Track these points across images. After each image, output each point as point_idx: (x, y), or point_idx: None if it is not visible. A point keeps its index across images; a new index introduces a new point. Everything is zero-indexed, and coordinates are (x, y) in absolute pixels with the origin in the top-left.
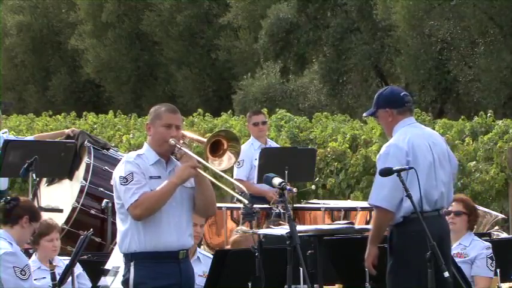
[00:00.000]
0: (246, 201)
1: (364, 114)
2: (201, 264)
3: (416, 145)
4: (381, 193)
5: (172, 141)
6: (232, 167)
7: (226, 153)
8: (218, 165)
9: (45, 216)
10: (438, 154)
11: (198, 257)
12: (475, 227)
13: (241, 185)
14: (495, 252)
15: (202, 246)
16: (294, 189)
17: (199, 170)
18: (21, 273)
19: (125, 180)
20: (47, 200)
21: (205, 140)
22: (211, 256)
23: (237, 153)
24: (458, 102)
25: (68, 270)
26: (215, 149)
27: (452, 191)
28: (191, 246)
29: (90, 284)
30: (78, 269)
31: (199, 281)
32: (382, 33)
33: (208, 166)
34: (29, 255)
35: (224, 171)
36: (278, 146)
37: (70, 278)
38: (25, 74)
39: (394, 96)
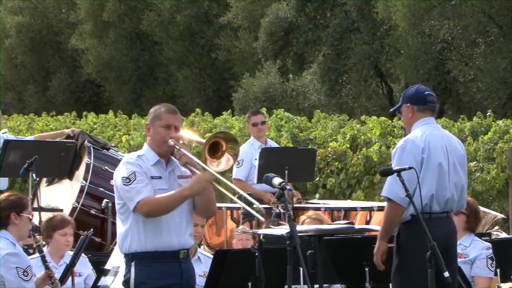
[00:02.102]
0: (244, 204)
1: (391, 110)
2: (202, 264)
3: (433, 144)
4: (394, 186)
5: (171, 142)
6: (232, 168)
7: (225, 154)
8: (216, 166)
9: (45, 216)
10: (454, 158)
11: (198, 257)
12: None
13: (236, 187)
14: (495, 252)
15: (202, 246)
16: (296, 193)
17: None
18: (23, 274)
19: (128, 180)
20: (47, 200)
21: (204, 140)
22: (212, 256)
23: (235, 155)
24: (458, 102)
25: (68, 270)
26: (214, 150)
27: (465, 195)
28: (192, 246)
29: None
30: (87, 269)
31: (200, 281)
32: (382, 33)
33: (207, 168)
34: (28, 255)
35: (223, 173)
36: (278, 146)
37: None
38: (25, 74)
39: (418, 93)
